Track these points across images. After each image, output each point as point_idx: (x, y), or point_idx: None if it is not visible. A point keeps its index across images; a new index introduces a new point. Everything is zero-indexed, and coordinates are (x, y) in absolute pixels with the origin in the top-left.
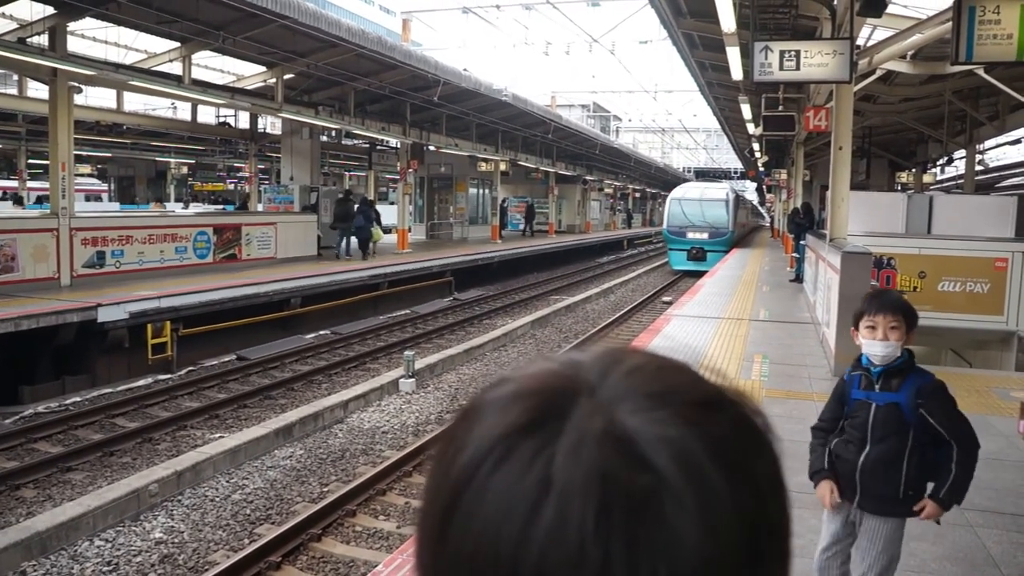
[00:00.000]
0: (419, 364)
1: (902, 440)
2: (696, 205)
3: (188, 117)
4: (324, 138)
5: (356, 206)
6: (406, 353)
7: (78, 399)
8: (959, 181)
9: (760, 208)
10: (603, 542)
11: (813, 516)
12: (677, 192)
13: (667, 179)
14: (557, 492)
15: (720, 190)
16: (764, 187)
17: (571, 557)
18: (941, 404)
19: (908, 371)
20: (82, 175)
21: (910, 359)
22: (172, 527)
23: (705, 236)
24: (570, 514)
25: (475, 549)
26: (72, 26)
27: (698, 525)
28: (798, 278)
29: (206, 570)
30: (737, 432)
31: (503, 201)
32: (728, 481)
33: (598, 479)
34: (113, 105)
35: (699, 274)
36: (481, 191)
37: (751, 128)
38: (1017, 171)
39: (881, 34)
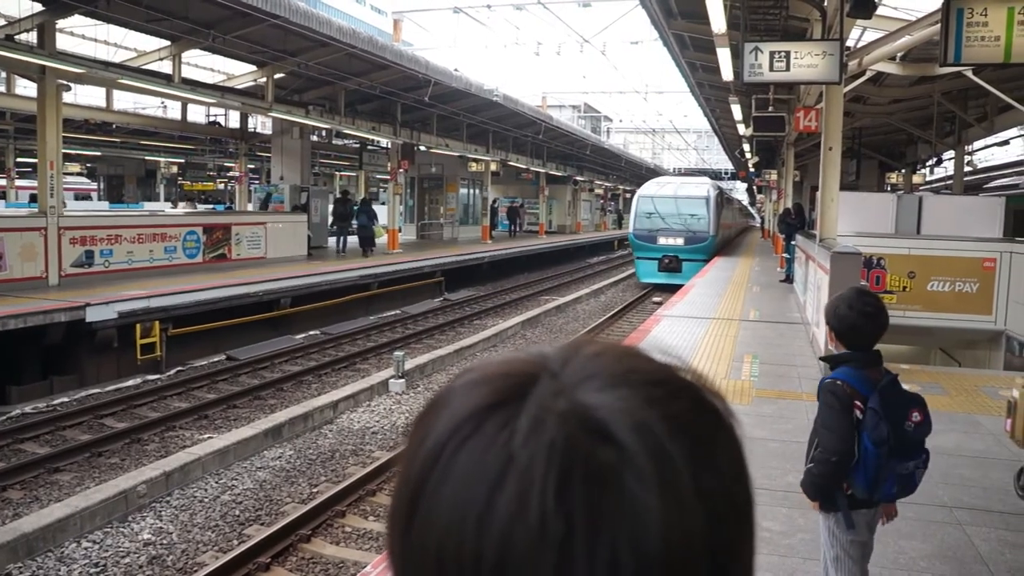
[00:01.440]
0: (409, 364)
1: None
2: (670, 204)
3: (178, 116)
4: (314, 138)
5: (355, 206)
6: (396, 353)
7: (66, 399)
8: (948, 182)
9: (750, 209)
10: (564, 515)
11: (801, 516)
12: (647, 188)
13: None
14: (518, 467)
15: (699, 186)
16: (755, 188)
17: (533, 531)
18: (820, 404)
19: (833, 367)
20: (71, 174)
21: (839, 357)
22: (160, 528)
23: (680, 242)
24: (531, 487)
25: (441, 529)
26: (61, 23)
27: (659, 499)
28: (788, 278)
29: (195, 571)
30: (697, 412)
31: (494, 201)
32: (688, 458)
33: (559, 452)
34: (102, 103)
35: (673, 288)
36: (472, 191)
37: (741, 129)
38: (1005, 172)
39: (871, 35)
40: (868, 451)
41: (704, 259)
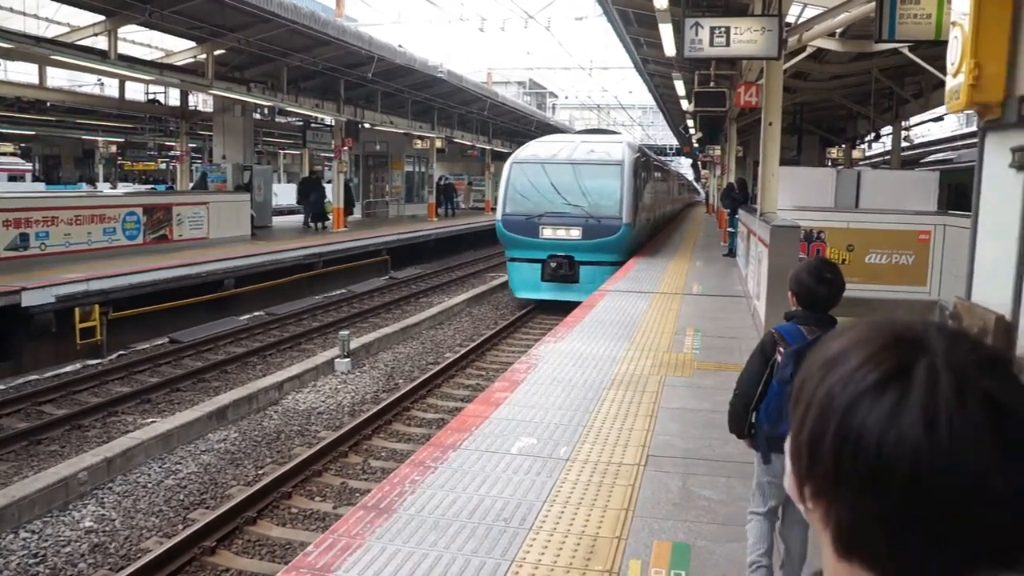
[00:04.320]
0: (355, 344)
1: None
2: (562, 174)
3: (116, 94)
4: (257, 116)
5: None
6: (341, 333)
7: (2, 387)
8: (886, 157)
9: (696, 184)
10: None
11: (740, 484)
12: (526, 151)
13: None
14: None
15: (610, 145)
16: (699, 163)
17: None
18: None
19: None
20: (3, 154)
21: (791, 313)
22: (103, 515)
23: (575, 234)
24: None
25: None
26: None
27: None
28: (731, 252)
29: (138, 558)
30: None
31: (440, 179)
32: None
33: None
34: (35, 80)
35: (568, 307)
36: (417, 169)
37: (685, 104)
38: (940, 147)
39: (810, 12)
40: (772, 388)
41: (615, 260)
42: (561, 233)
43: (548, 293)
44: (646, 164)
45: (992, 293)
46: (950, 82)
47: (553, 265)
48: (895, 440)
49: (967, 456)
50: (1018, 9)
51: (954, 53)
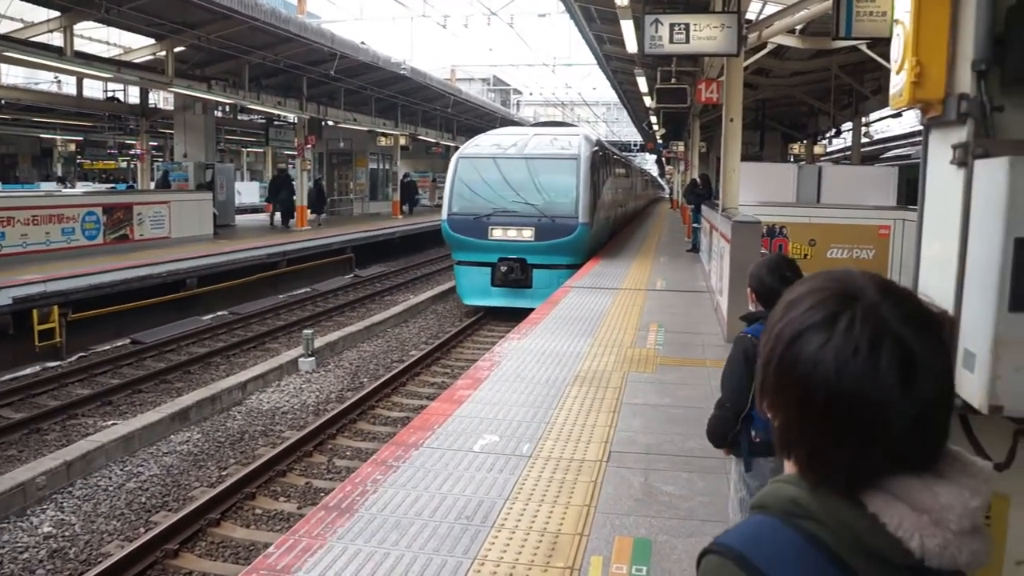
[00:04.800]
0: (319, 342)
1: None
2: (514, 169)
3: (73, 92)
4: (219, 113)
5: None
6: (305, 332)
7: None
8: (847, 152)
9: (659, 180)
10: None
11: (701, 479)
12: (474, 145)
13: None
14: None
15: (566, 139)
16: (663, 159)
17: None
18: (729, 356)
19: (750, 324)
20: None
21: (756, 315)
22: (62, 520)
23: (528, 235)
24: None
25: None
26: None
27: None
28: (695, 248)
29: (99, 562)
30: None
31: (404, 176)
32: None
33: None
34: None
35: (520, 314)
36: (382, 166)
37: (648, 101)
38: (900, 143)
39: (770, 9)
40: None
41: (571, 263)
42: (512, 234)
43: (499, 299)
44: (605, 158)
45: (937, 288)
46: (894, 79)
47: (504, 269)
48: (820, 368)
49: (873, 386)
50: (956, 7)
51: (897, 50)
